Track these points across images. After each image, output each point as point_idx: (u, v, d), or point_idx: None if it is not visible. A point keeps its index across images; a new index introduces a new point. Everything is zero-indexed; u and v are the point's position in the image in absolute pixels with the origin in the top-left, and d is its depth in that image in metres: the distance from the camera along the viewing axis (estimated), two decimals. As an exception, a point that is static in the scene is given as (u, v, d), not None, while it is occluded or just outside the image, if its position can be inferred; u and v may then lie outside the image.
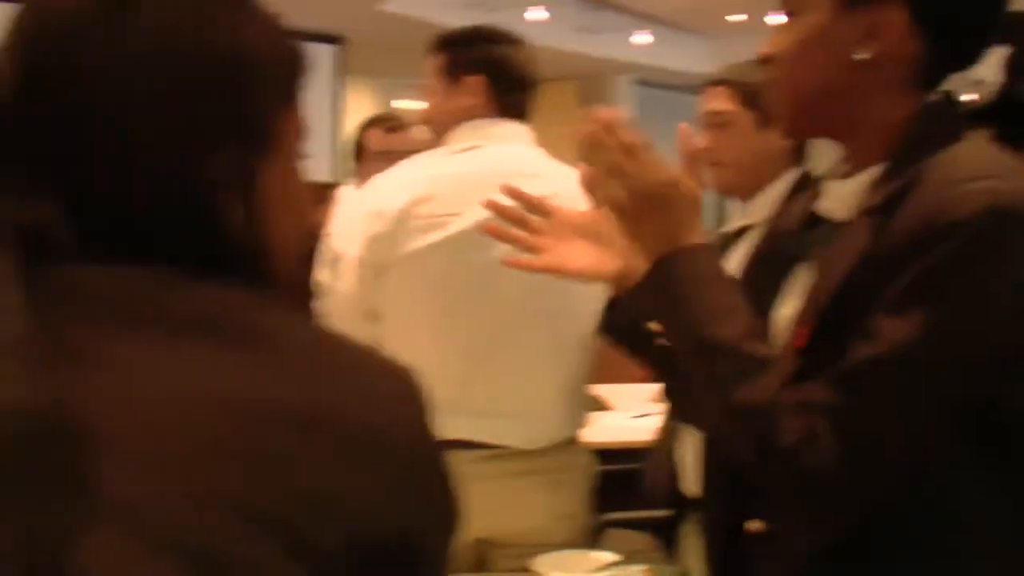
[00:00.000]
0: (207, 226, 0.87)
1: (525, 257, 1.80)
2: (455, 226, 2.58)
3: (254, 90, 0.90)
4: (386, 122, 4.12)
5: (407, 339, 2.55)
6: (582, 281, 1.82)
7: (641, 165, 1.49)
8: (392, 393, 0.86)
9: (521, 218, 1.82)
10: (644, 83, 12.53)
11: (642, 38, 11.53)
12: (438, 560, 0.86)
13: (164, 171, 0.86)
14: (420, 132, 3.05)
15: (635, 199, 1.49)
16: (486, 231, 1.82)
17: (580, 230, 1.80)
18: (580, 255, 1.78)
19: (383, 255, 2.58)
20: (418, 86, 2.85)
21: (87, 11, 0.86)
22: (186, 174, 0.86)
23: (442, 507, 0.88)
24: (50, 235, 0.83)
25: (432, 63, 2.80)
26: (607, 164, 1.50)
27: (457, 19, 3.52)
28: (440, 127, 2.78)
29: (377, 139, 4.02)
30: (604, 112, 1.52)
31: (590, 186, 1.55)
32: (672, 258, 1.47)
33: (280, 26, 0.93)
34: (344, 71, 10.14)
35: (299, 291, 0.86)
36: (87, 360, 0.79)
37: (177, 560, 0.75)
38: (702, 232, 1.51)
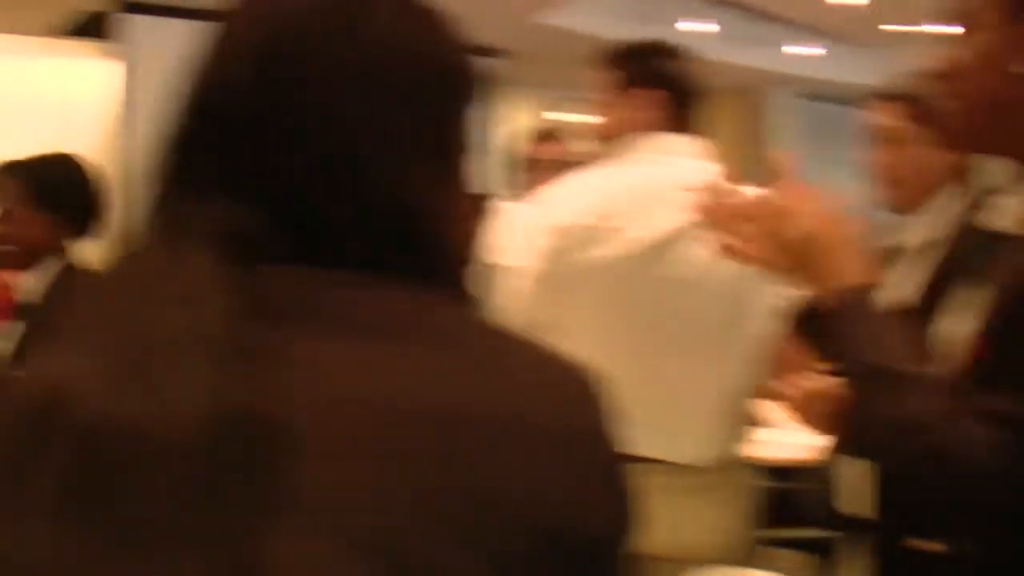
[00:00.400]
0: (400, 231, 0.88)
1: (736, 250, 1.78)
2: (629, 239, 2.56)
3: (446, 102, 0.92)
4: (546, 134, 4.13)
5: (575, 350, 2.54)
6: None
7: (779, 222, 1.49)
8: (574, 395, 0.87)
9: (728, 219, 1.80)
10: (804, 95, 12.36)
11: (800, 49, 11.38)
12: (616, 564, 0.86)
13: (365, 177, 0.88)
14: (582, 144, 3.06)
15: (782, 253, 1.49)
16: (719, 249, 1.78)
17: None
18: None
19: (556, 268, 2.57)
20: (587, 99, 2.86)
21: (307, 24, 0.89)
22: (384, 180, 0.88)
23: (621, 510, 0.87)
24: (253, 237, 0.85)
25: (605, 76, 2.79)
26: (743, 230, 1.50)
27: (614, 31, 3.52)
28: (611, 140, 2.77)
29: (537, 151, 4.03)
30: (714, 186, 1.53)
31: (733, 254, 1.55)
32: (831, 302, 1.46)
33: (464, 41, 0.95)
34: (500, 83, 10.21)
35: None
36: (284, 361, 0.81)
37: (369, 559, 0.77)
38: (858, 269, 1.49)
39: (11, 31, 7.15)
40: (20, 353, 2.84)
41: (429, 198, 0.90)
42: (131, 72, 7.07)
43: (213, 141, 0.88)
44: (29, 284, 2.92)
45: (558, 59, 7.01)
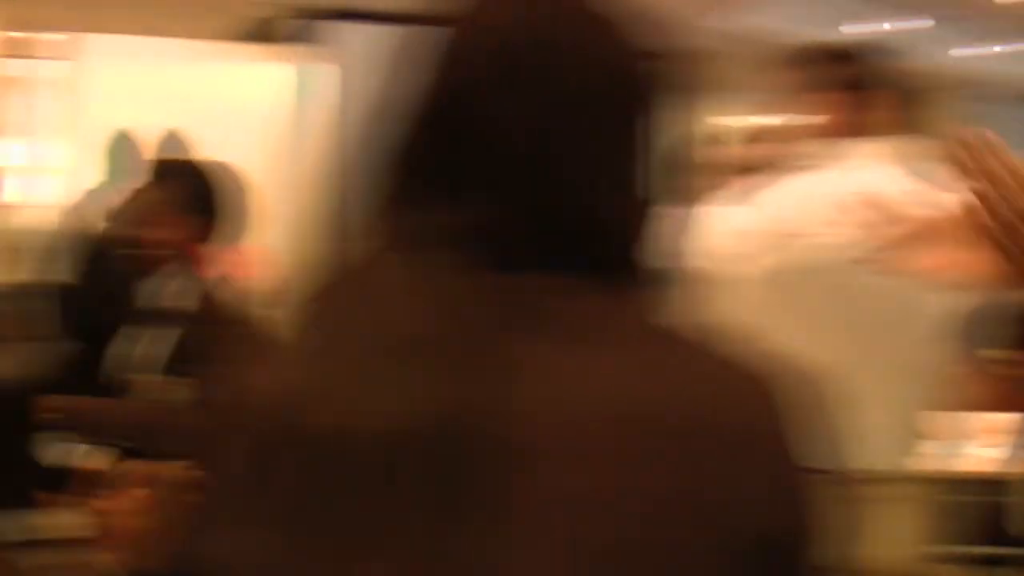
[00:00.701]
0: (612, 236, 0.90)
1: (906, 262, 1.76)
2: (818, 245, 2.54)
3: (643, 106, 0.93)
4: (727, 138, 4.08)
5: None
6: (961, 288, 1.76)
7: (1009, 188, 1.46)
8: (770, 400, 0.87)
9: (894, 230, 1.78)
10: (994, 97, 11.97)
11: (992, 49, 11.04)
12: (804, 568, 0.86)
13: (586, 181, 0.89)
14: (765, 148, 3.02)
15: (1000, 222, 1.46)
16: (867, 263, 1.77)
17: (956, 239, 1.75)
18: (960, 262, 1.73)
19: (747, 272, 2.56)
20: (773, 101, 2.81)
21: (518, 36, 0.90)
22: (603, 185, 0.90)
23: (808, 515, 0.87)
24: (476, 241, 0.86)
25: (796, 78, 2.77)
26: (979, 186, 1.48)
27: (804, 31, 3.47)
28: (803, 143, 2.74)
29: (718, 155, 3.98)
30: (975, 133, 1.50)
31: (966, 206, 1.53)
32: None
33: (651, 48, 0.96)
34: (679, 87, 10.07)
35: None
36: (506, 366, 0.82)
37: (590, 563, 0.78)
38: None
39: (194, 36, 7.31)
40: (176, 359, 2.84)
41: (622, 203, 0.91)
42: (343, 78, 7.18)
43: (434, 149, 0.90)
44: (173, 288, 2.94)
45: (745, 61, 6.91)
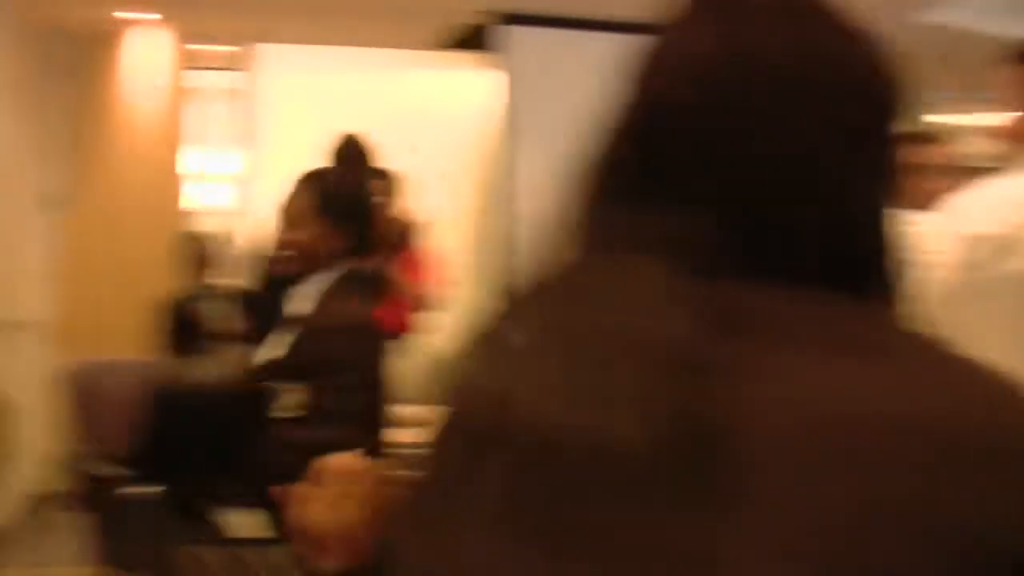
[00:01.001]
0: (841, 242, 0.89)
1: None
2: None
3: (875, 114, 0.91)
4: (929, 138, 3.91)
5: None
6: None
7: None
8: (1014, 410, 0.83)
9: None
10: None
11: None
12: None
13: (809, 190, 0.88)
14: (969, 147, 2.86)
15: None
16: None
17: None
18: None
19: (966, 279, 2.45)
20: (974, 99, 2.66)
21: (749, 42, 0.89)
22: (827, 193, 0.89)
23: None
24: (701, 249, 0.86)
25: (1010, 75, 2.64)
26: None
27: (1001, 26, 3.27)
28: (1017, 143, 2.60)
29: (920, 155, 3.83)
30: None
31: None
32: None
33: (886, 54, 0.94)
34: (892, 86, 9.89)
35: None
36: (737, 373, 0.81)
37: (820, 569, 0.75)
38: None
39: (395, 45, 7.37)
40: (291, 362, 2.85)
41: (866, 210, 0.91)
42: (513, 83, 7.12)
43: (654, 154, 0.90)
44: (302, 292, 2.95)
45: (940, 58, 6.64)
